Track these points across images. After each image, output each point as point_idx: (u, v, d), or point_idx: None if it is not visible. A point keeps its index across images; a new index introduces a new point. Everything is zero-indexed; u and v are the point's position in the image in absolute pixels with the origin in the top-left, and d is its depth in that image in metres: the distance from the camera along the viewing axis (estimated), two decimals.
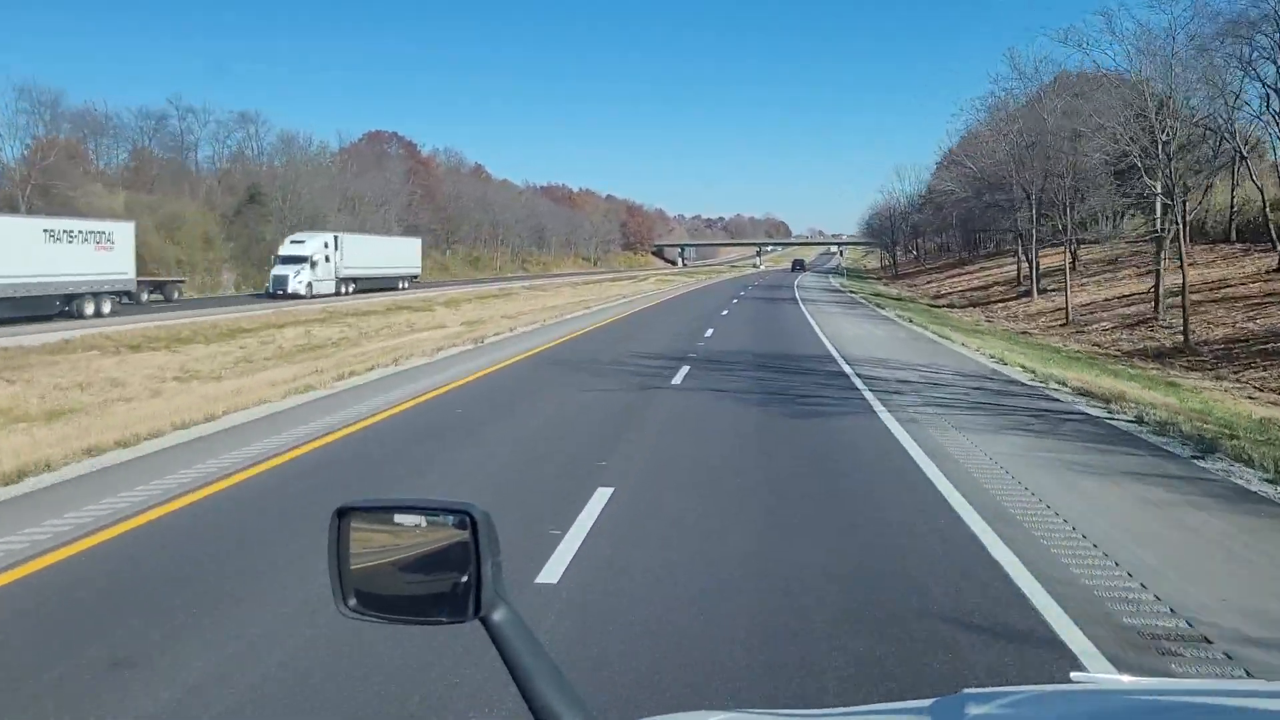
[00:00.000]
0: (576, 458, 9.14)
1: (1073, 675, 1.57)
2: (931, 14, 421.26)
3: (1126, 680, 1.73)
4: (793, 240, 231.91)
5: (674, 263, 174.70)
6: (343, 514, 1.28)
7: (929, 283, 67.41)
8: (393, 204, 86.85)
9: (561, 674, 1.17)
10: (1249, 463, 8.73)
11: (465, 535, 1.21)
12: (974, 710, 1.20)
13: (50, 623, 4.93)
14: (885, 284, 71.93)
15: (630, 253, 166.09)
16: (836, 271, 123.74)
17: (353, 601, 1.26)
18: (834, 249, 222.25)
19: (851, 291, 53.05)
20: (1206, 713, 1.21)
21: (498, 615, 1.17)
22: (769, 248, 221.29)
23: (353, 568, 1.27)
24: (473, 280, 76.42)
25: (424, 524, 1.27)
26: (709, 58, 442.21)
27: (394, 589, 1.29)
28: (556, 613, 4.97)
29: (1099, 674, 1.67)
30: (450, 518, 1.24)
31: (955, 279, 62.14)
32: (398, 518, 1.29)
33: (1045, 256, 46.72)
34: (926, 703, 1.29)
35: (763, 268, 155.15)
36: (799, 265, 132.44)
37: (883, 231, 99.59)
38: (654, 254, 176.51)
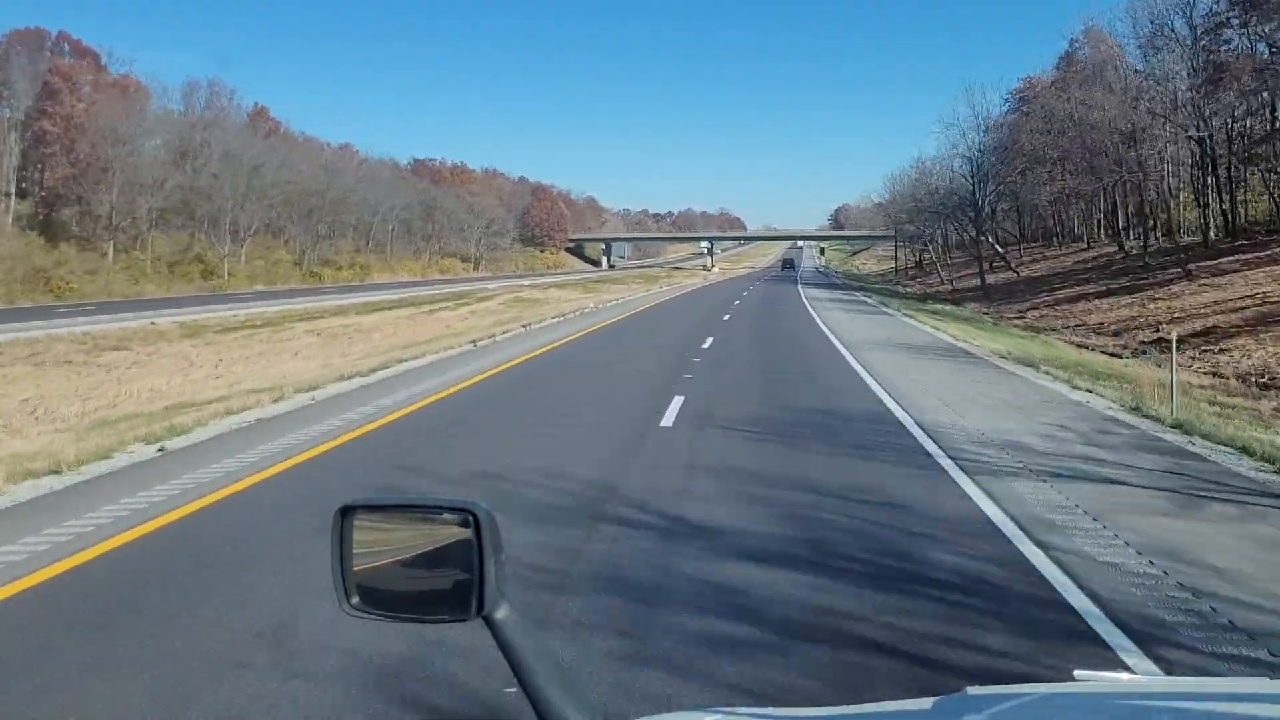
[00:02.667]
0: None
1: (1075, 674, 1.46)
2: (907, 13, 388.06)
3: (1130, 679, 1.75)
4: (751, 235, 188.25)
5: (598, 263, 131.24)
6: (345, 512, 1.25)
7: (1210, 344, 23.52)
8: None
9: (564, 671, 1.16)
10: None
11: (468, 534, 1.18)
12: (977, 709, 1.18)
13: None
14: (1044, 340, 26.79)
15: (536, 249, 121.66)
16: (827, 275, 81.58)
17: (355, 600, 1.23)
18: (800, 244, 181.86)
19: None
20: (1210, 714, 1.18)
21: (500, 614, 1.14)
22: (723, 244, 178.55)
23: (355, 566, 1.24)
24: None
25: (426, 522, 1.26)
26: (668, 43, 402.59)
27: (397, 587, 1.26)
28: None
29: (1103, 673, 1.49)
30: (453, 516, 1.21)
31: None
32: (400, 516, 1.30)
33: None
34: (929, 702, 1.27)
35: (715, 270, 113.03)
36: (790, 266, 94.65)
37: (932, 210, 56.14)
38: (570, 251, 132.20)
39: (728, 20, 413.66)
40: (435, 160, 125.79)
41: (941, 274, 59.26)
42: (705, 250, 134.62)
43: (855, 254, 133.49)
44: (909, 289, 57.13)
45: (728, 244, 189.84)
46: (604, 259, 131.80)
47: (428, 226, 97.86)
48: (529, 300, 46.88)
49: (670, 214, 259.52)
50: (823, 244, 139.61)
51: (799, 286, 53.78)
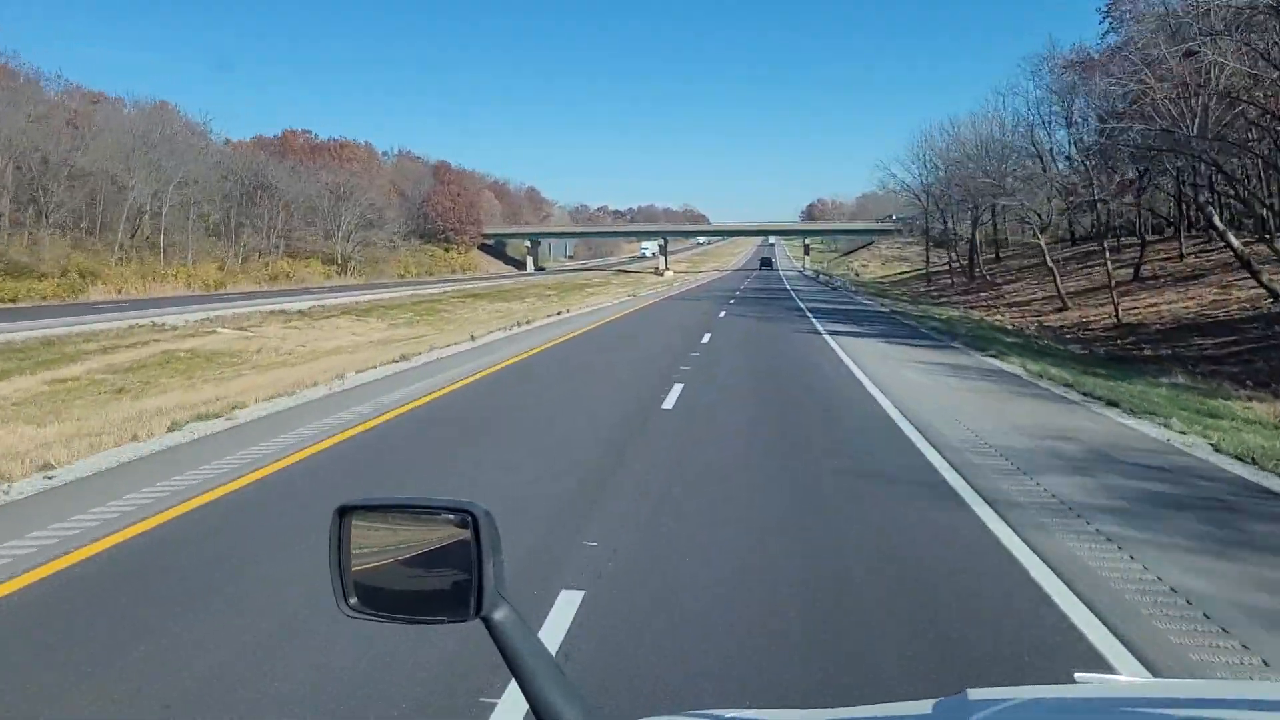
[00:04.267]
0: None
1: (1076, 676, 1.47)
2: (885, 9, 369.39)
3: (1130, 682, 1.77)
4: (714, 230, 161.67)
5: (524, 264, 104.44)
6: (343, 513, 1.25)
7: None
8: None
9: (562, 672, 1.15)
10: None
11: (466, 534, 1.18)
12: (976, 711, 1.19)
13: None
14: None
15: (439, 247, 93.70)
16: (835, 289, 55.51)
17: (353, 600, 1.24)
18: (772, 240, 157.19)
19: None
20: (1211, 719, 1.18)
21: (499, 614, 1.15)
22: (692, 239, 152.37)
23: (354, 567, 1.25)
24: None
25: (425, 523, 1.25)
26: (640, 40, 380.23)
27: (395, 588, 1.27)
28: None
29: (1104, 676, 1.56)
30: (451, 516, 1.21)
31: None
32: (398, 516, 1.29)
33: None
34: (928, 704, 1.27)
35: (669, 274, 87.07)
36: (768, 265, 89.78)
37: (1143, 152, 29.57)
38: (487, 250, 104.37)
39: (726, 21, 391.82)
40: (306, 132, 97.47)
41: (1061, 288, 32.60)
42: (648, 252, 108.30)
43: (849, 253, 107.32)
44: (1016, 323, 30.23)
45: (698, 239, 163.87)
46: (529, 260, 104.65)
47: (267, 216, 69.95)
48: (218, 360, 19.79)
49: (631, 210, 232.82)
50: (806, 240, 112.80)
51: (826, 334, 22.43)
